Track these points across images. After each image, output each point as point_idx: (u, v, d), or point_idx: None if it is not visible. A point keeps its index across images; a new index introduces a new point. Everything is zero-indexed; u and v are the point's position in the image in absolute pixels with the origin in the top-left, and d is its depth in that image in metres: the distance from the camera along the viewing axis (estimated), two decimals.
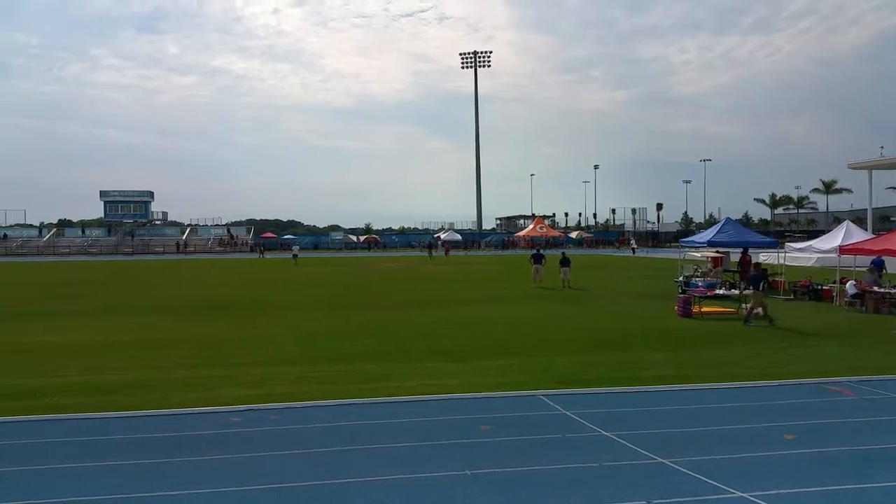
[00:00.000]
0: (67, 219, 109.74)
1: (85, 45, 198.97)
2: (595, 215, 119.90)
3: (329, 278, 34.78)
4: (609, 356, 12.59)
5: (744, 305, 17.50)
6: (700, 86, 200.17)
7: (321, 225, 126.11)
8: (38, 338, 14.95)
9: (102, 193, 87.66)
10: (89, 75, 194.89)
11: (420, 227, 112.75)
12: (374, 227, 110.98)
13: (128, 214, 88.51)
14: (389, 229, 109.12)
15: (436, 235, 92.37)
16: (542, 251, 29.67)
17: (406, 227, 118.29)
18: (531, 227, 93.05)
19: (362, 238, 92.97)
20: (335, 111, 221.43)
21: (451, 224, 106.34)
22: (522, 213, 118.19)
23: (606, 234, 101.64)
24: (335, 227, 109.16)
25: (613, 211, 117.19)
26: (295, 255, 53.26)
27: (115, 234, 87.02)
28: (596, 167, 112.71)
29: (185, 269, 44.22)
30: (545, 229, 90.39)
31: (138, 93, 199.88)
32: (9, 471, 6.65)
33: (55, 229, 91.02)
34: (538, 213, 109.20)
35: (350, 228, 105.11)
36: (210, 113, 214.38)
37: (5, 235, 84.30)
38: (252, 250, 69.62)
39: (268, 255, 65.35)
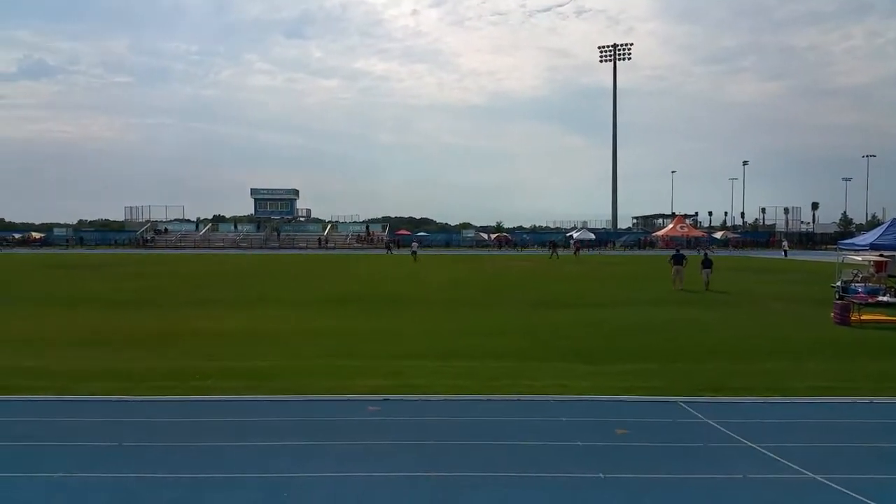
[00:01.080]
0: (221, 214, 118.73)
1: (238, 51, 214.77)
2: (743, 215, 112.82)
3: (460, 276, 35.23)
4: (756, 364, 11.80)
5: None
6: (866, 75, 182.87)
7: (453, 223, 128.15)
8: (196, 324, 16.29)
9: (253, 191, 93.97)
10: (242, 79, 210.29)
11: (552, 226, 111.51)
12: (506, 226, 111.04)
13: (275, 211, 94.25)
14: (521, 228, 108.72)
15: (568, 234, 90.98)
16: (682, 252, 28.35)
17: (537, 225, 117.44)
18: (671, 226, 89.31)
19: (493, 236, 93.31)
20: (469, 109, 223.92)
21: (585, 223, 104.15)
22: (661, 212, 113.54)
23: (755, 235, 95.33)
24: (466, 225, 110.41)
25: (763, 210, 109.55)
26: (414, 252, 54.46)
27: (264, 229, 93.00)
28: (745, 163, 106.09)
29: (324, 264, 46.52)
30: (686, 229, 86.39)
31: (286, 96, 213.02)
32: (163, 446, 7.29)
33: (210, 224, 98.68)
34: (679, 211, 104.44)
35: (481, 226, 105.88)
36: (351, 114, 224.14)
37: (166, 229, 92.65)
38: (387, 247, 72.01)
39: (395, 252, 67.20)
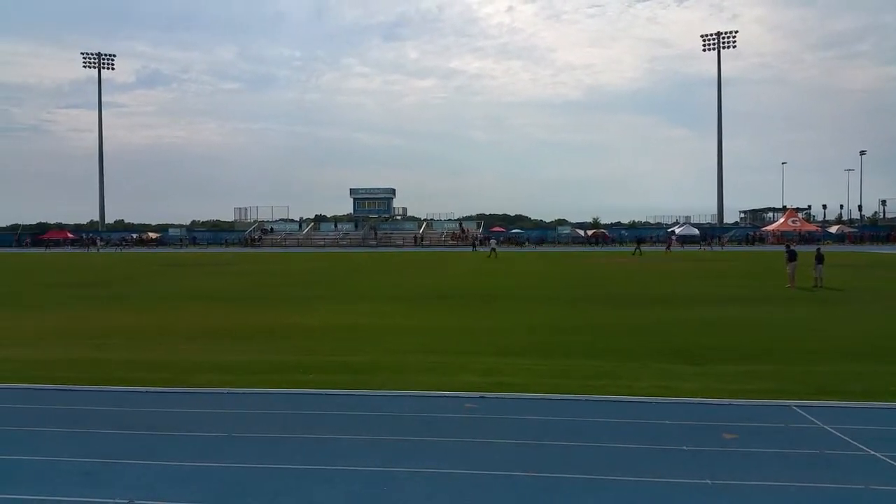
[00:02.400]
0: (322, 214, 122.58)
1: (338, 56, 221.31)
2: (860, 208, 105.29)
3: (551, 272, 34.77)
4: (881, 366, 10.93)
5: None
6: None
7: (548, 219, 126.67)
8: (298, 319, 16.88)
9: (352, 191, 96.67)
10: (341, 83, 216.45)
11: (652, 221, 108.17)
12: (603, 221, 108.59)
13: (373, 210, 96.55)
14: (618, 223, 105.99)
15: (670, 229, 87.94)
16: (793, 247, 26.75)
17: (637, 220, 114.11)
18: (782, 220, 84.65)
19: (590, 232, 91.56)
20: (565, 104, 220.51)
21: (688, 217, 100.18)
22: (771, 206, 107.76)
23: (874, 229, 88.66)
24: (562, 222, 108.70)
25: (884, 203, 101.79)
26: (493, 249, 54.21)
27: (362, 227, 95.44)
28: (862, 153, 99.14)
29: (419, 261, 47.16)
30: (799, 223, 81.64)
31: (383, 97, 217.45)
32: (269, 437, 7.56)
33: (312, 223, 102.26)
34: (790, 205, 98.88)
35: (577, 223, 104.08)
36: (446, 113, 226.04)
37: (272, 229, 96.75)
38: (480, 244, 72.22)
39: (480, 249, 67.06)
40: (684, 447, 7.08)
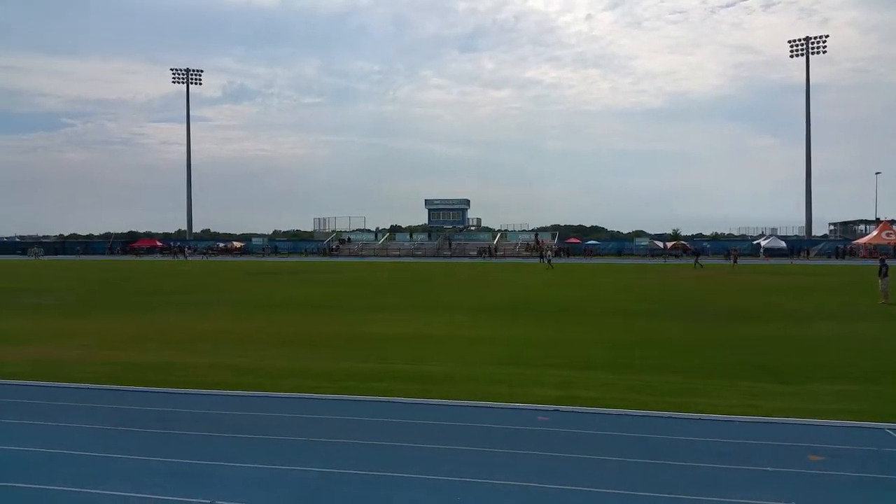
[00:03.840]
0: (398, 224, 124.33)
1: (416, 68, 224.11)
2: None
3: (627, 284, 33.99)
4: None
5: None
6: None
7: (625, 230, 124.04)
8: (372, 328, 17.18)
9: (427, 202, 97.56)
10: (418, 95, 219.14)
11: (735, 233, 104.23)
12: (683, 233, 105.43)
13: (447, 221, 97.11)
14: (700, 235, 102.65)
15: (755, 242, 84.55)
16: (886, 261, 25.23)
17: (719, 232, 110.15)
18: (875, 232, 79.76)
19: (669, 244, 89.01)
20: (644, 112, 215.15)
21: (774, 229, 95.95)
22: (863, 218, 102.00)
23: None
24: (640, 233, 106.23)
25: None
26: (549, 261, 53.56)
27: (436, 238, 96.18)
28: None
29: (492, 272, 47.08)
30: (893, 236, 76.80)
31: (459, 108, 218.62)
32: (345, 443, 7.72)
33: (388, 234, 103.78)
34: (884, 216, 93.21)
35: (656, 234, 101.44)
36: (521, 123, 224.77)
37: (349, 239, 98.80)
38: (540, 256, 71.48)
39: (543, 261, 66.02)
40: (768, 468, 6.80)
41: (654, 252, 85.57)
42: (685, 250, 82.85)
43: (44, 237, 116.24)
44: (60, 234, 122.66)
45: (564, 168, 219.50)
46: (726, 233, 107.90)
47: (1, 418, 8.72)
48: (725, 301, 24.81)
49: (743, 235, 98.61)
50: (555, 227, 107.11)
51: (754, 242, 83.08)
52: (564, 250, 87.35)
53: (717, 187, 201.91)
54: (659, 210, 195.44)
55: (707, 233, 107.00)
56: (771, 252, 75.41)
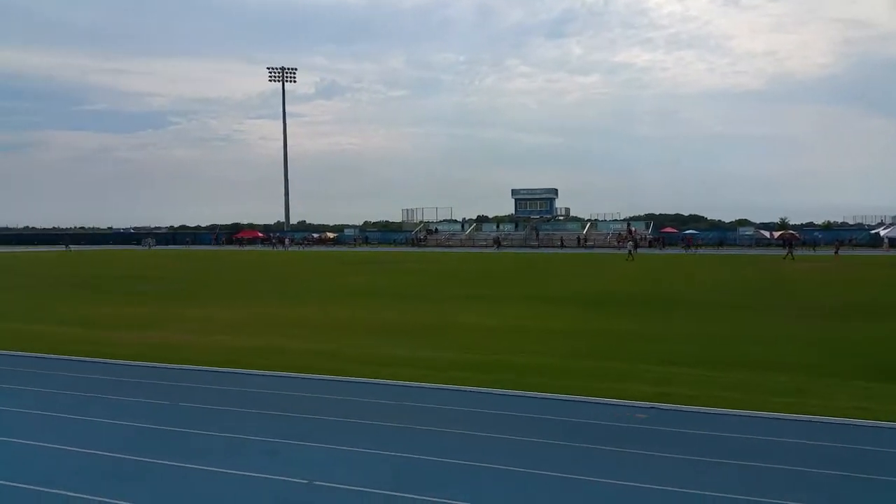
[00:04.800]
0: (484, 215, 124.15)
1: (501, 57, 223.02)
2: None
3: (724, 277, 32.50)
4: None
5: None
6: None
7: (727, 219, 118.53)
8: (459, 317, 17.29)
9: (513, 192, 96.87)
10: (504, 84, 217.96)
11: (850, 222, 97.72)
12: (791, 222, 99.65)
13: (535, 211, 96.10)
14: (811, 224, 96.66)
15: (874, 231, 78.91)
16: None
17: (832, 221, 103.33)
18: None
19: (776, 234, 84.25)
20: (744, 94, 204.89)
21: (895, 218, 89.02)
22: None
23: None
24: (743, 222, 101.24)
25: None
26: (630, 252, 51.89)
27: (523, 228, 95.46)
28: None
29: (583, 262, 46.26)
30: None
31: (545, 96, 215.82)
32: (437, 431, 7.77)
33: (474, 224, 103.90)
34: None
35: (761, 223, 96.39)
36: (611, 109, 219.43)
37: (436, 229, 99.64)
38: (634, 246, 69.38)
39: (640, 251, 64.08)
40: (884, 476, 6.33)
41: (759, 242, 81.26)
42: (790, 240, 78.31)
43: (155, 228, 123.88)
44: (171, 226, 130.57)
45: (658, 154, 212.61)
46: (840, 221, 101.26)
47: (126, 396, 9.36)
48: (838, 295, 23.30)
49: (859, 224, 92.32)
50: (649, 216, 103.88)
51: (872, 232, 77.47)
52: (659, 240, 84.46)
53: (827, 173, 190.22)
54: (763, 197, 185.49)
55: (818, 221, 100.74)
56: (894, 242, 69.85)
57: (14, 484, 6.15)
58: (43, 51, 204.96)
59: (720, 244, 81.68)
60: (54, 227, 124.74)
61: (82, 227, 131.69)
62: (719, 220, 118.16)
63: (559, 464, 6.69)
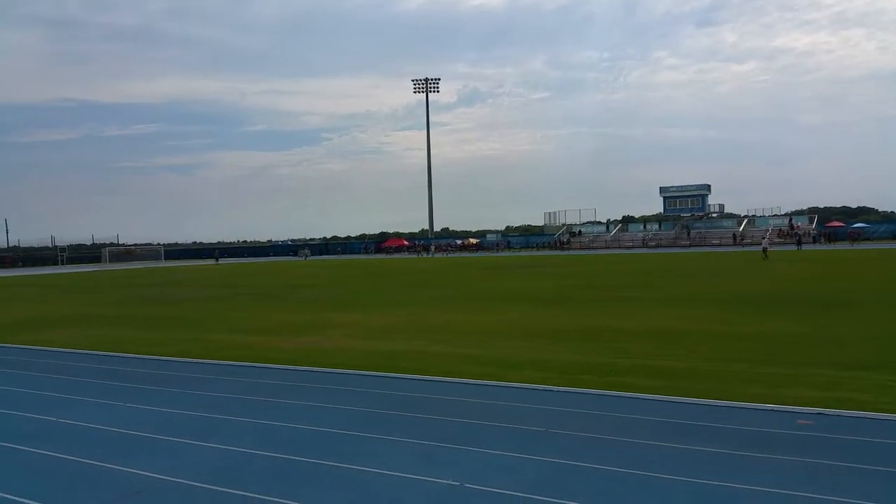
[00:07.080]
0: (630, 215, 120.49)
1: (647, 50, 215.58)
2: None
3: None
4: None
5: None
6: None
7: None
8: (609, 321, 16.86)
9: (662, 190, 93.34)
10: (650, 78, 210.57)
11: None
12: None
13: (685, 208, 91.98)
14: None
15: None
16: None
17: None
18: None
19: None
20: None
21: None
22: None
23: None
24: None
25: None
26: (764, 249, 47.46)
27: (673, 227, 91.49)
28: None
29: (739, 260, 43.50)
30: None
31: (696, 88, 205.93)
32: (584, 437, 7.66)
33: (620, 225, 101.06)
34: None
35: None
36: (768, 98, 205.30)
37: (580, 231, 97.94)
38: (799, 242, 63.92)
39: (805, 247, 58.88)
40: None
41: None
42: None
43: (310, 239, 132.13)
44: (324, 237, 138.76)
45: (822, 143, 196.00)
46: None
47: (281, 398, 10.08)
48: None
49: None
50: (812, 210, 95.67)
51: None
52: (825, 235, 77.81)
53: None
54: None
55: None
56: None
57: (189, 482, 6.85)
58: (211, 76, 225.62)
59: (894, 237, 73.75)
60: (219, 242, 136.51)
61: (245, 241, 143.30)
62: (892, 212, 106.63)
63: (712, 472, 6.36)
